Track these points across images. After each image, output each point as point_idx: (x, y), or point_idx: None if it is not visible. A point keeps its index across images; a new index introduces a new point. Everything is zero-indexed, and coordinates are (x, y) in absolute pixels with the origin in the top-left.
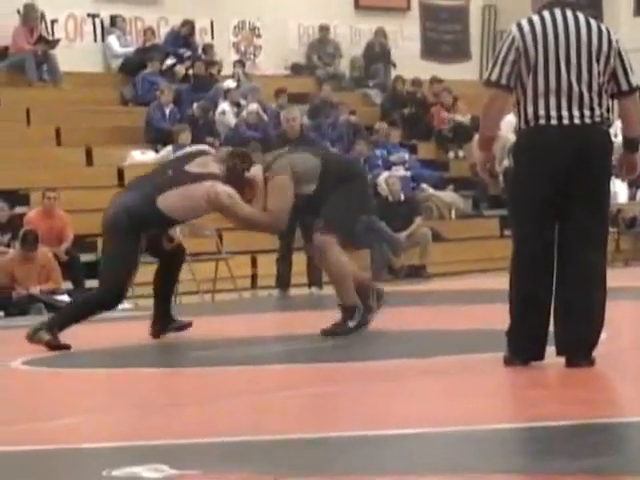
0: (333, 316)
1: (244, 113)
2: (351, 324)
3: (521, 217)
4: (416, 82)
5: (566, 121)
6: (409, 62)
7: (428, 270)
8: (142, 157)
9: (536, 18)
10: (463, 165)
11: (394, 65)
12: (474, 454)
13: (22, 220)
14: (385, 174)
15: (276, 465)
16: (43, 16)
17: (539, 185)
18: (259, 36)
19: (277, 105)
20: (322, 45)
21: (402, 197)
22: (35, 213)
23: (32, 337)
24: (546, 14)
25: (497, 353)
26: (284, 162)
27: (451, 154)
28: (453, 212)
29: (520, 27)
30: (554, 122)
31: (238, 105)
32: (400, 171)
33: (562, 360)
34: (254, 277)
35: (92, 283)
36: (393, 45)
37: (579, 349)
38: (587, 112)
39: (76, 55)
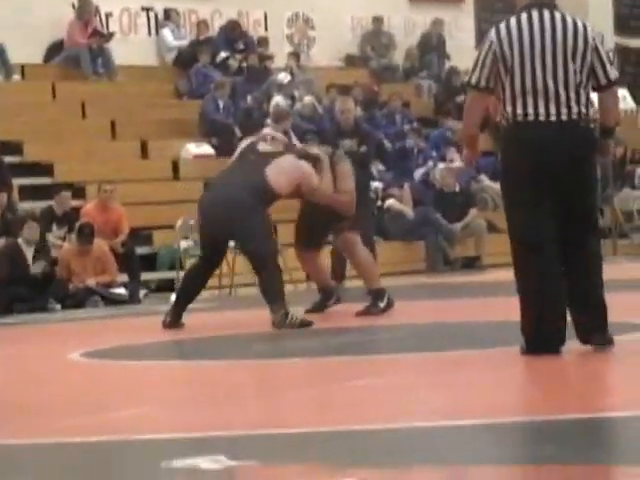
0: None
1: (298, 105)
2: (381, 304)
3: (515, 208)
4: None
5: (542, 118)
6: (463, 53)
7: (483, 261)
8: (197, 150)
9: (513, 21)
10: None
11: (448, 57)
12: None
13: (78, 213)
14: (441, 165)
15: (333, 457)
16: (98, 10)
17: (527, 177)
18: (313, 28)
19: (328, 99)
20: (376, 36)
21: (457, 188)
22: (91, 206)
23: (281, 326)
24: (523, 16)
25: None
26: (342, 154)
27: None
28: None
29: (497, 31)
30: (531, 118)
31: (292, 97)
32: (456, 162)
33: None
34: None
35: (148, 275)
36: (447, 36)
37: (601, 332)
38: (564, 110)
39: (130, 48)
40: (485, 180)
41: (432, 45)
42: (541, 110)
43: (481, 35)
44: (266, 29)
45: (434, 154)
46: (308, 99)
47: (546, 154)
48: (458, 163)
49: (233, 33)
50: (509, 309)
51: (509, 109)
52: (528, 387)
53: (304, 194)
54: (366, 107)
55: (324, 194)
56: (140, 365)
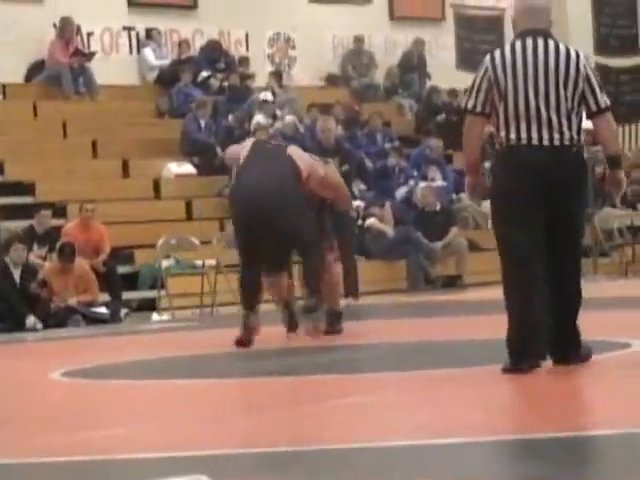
0: (371, 325)
1: (279, 124)
2: (339, 327)
3: (506, 227)
4: (452, 92)
5: (535, 142)
6: (444, 72)
7: (464, 280)
8: (178, 169)
9: (508, 48)
10: None
11: (429, 76)
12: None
13: (59, 232)
14: (422, 184)
15: (319, 475)
16: (79, 29)
17: (519, 198)
18: (294, 47)
19: (309, 118)
20: (357, 56)
21: (438, 207)
22: (72, 225)
23: (305, 312)
24: (518, 43)
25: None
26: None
27: (487, 164)
28: (489, 222)
29: (492, 58)
30: (524, 142)
31: (274, 116)
32: (437, 182)
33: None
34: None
35: (129, 295)
36: (428, 55)
37: (578, 351)
38: (556, 135)
39: (112, 68)
40: (466, 199)
41: (413, 64)
42: (534, 135)
43: (462, 54)
44: (247, 49)
45: (415, 173)
46: (290, 118)
47: (539, 177)
48: (439, 182)
49: (214, 52)
50: (491, 327)
51: (503, 134)
52: (512, 405)
53: (312, 184)
54: (347, 126)
55: (332, 180)
56: (121, 384)
